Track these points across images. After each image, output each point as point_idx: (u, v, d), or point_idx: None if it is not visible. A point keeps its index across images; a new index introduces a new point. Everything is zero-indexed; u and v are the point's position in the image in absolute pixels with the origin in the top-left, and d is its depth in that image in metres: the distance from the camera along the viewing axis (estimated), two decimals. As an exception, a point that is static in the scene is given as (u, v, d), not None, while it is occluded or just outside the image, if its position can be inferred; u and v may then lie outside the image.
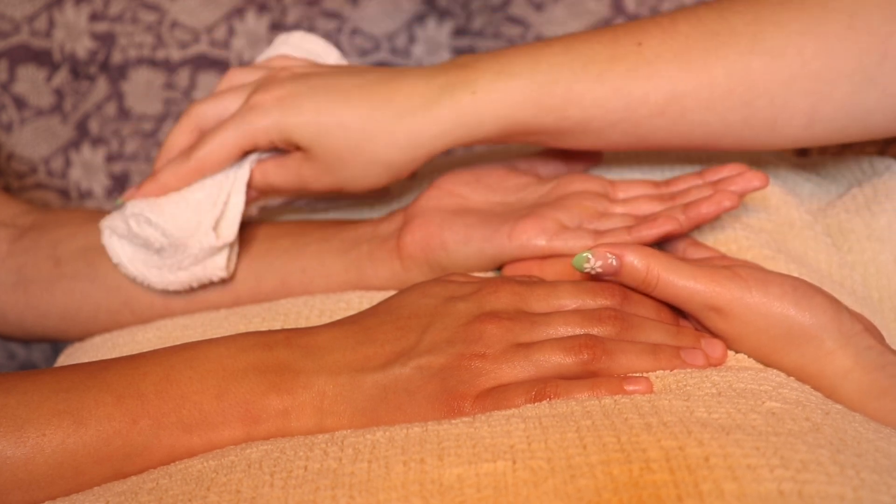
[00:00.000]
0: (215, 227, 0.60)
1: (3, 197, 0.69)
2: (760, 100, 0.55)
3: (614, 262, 0.49)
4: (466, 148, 0.87)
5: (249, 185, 0.61)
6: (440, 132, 0.56)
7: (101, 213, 0.68)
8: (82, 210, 0.69)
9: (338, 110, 0.57)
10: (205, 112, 0.61)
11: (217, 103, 0.61)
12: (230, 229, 0.60)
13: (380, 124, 0.56)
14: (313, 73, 0.60)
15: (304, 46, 0.65)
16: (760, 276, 0.49)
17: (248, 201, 0.62)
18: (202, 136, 0.60)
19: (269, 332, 0.49)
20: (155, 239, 0.59)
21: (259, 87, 0.59)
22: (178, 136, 0.61)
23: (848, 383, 0.48)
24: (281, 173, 0.60)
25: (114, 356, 0.57)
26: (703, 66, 0.54)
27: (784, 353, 0.49)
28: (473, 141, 0.57)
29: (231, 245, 0.61)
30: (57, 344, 0.90)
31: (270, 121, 0.58)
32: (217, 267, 0.61)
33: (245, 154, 0.60)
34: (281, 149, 0.60)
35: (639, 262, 0.49)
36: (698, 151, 0.62)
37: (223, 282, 0.62)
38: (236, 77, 0.63)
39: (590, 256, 0.50)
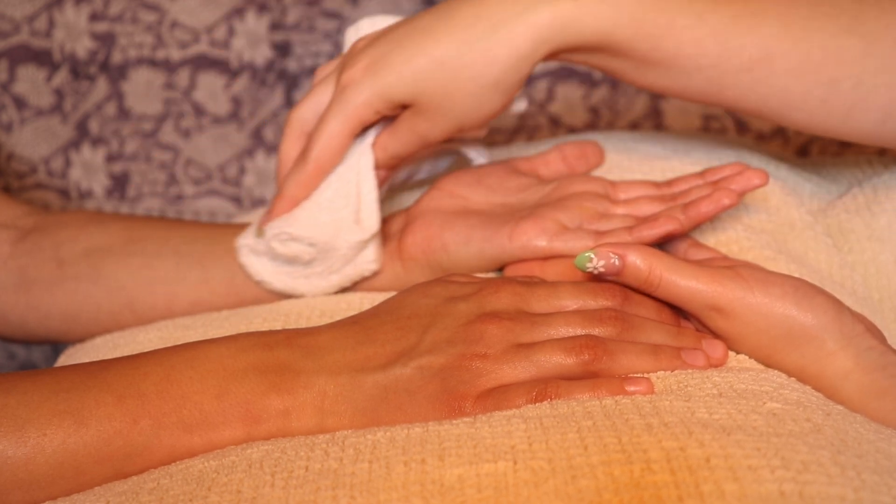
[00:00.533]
0: (357, 222, 0.58)
1: (4, 199, 0.69)
2: (846, 82, 0.54)
3: (617, 262, 0.49)
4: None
5: (375, 167, 0.60)
6: (540, 39, 0.54)
7: (103, 215, 0.68)
8: (84, 212, 0.69)
9: (427, 49, 0.55)
10: (302, 115, 0.60)
11: (311, 101, 0.60)
12: (372, 219, 0.58)
13: (474, 45, 0.54)
14: (388, 29, 0.58)
15: (377, 28, 0.63)
16: (762, 277, 0.49)
17: (380, 184, 0.60)
18: (309, 138, 0.59)
19: (270, 332, 0.49)
20: (303, 252, 0.58)
21: (343, 67, 0.58)
22: (288, 146, 0.60)
23: (849, 384, 0.48)
24: (397, 139, 0.58)
25: (114, 357, 0.57)
26: (803, 32, 0.54)
27: (785, 354, 0.49)
28: (565, 51, 0.56)
29: (374, 234, 0.59)
30: (57, 345, 0.90)
31: (367, 91, 0.56)
32: (367, 261, 0.59)
33: (357, 137, 0.59)
34: (389, 118, 0.59)
35: (641, 262, 0.49)
36: (764, 120, 0.60)
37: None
38: (321, 72, 0.61)
39: (592, 256, 0.50)
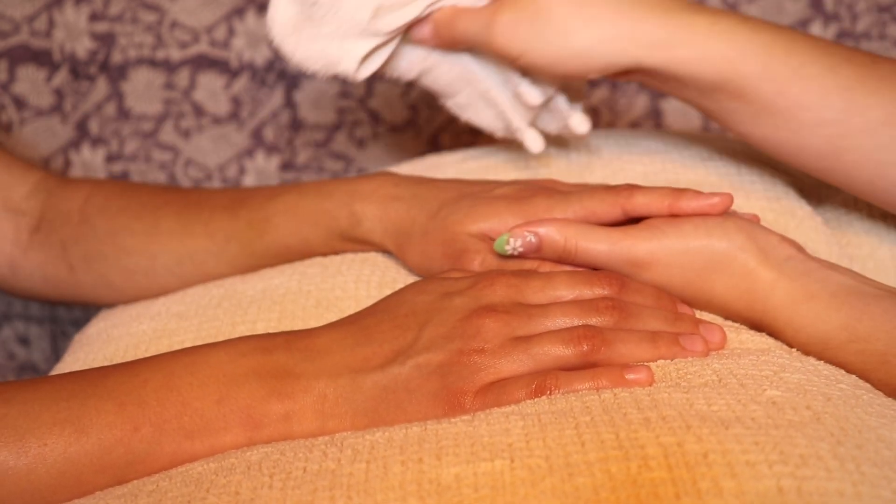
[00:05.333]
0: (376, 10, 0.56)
1: (8, 174, 0.68)
2: None
3: (533, 239, 0.51)
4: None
5: (426, 21, 0.58)
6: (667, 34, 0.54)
7: (90, 211, 0.67)
8: (76, 203, 0.68)
9: None
10: None
11: None
12: (391, 21, 0.57)
13: None
14: None
15: None
16: (672, 220, 0.51)
17: (414, 38, 0.59)
18: None
19: (268, 335, 0.49)
20: None
21: None
22: None
23: (777, 293, 0.49)
24: (469, 20, 0.57)
25: (110, 349, 0.58)
26: None
27: (714, 282, 0.50)
28: (676, 74, 0.55)
29: (380, 48, 0.57)
30: (56, 343, 0.90)
31: None
32: (351, 54, 0.58)
33: None
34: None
35: (557, 234, 0.51)
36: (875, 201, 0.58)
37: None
38: None
39: (509, 238, 0.52)
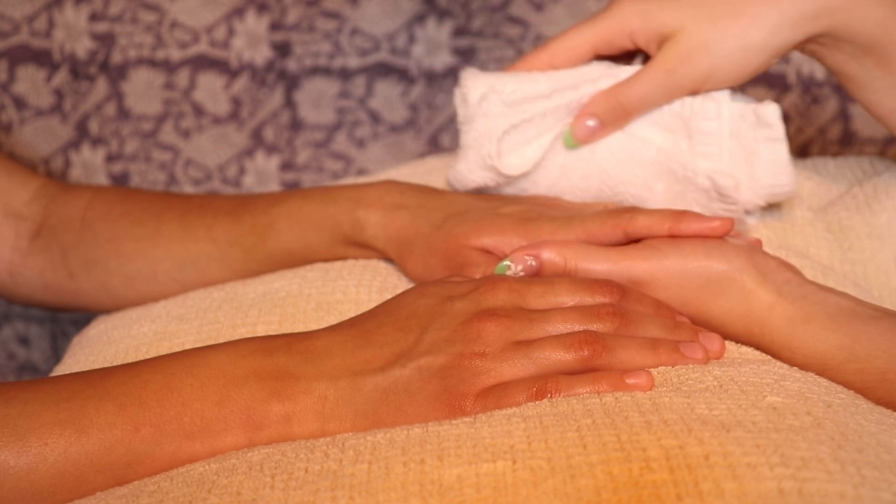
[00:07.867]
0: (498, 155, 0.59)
1: (9, 180, 0.69)
2: None
3: (534, 263, 0.52)
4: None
5: (583, 117, 0.59)
6: (825, 5, 0.55)
7: (92, 217, 0.67)
8: (78, 209, 0.68)
9: None
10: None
11: None
12: (520, 161, 0.60)
13: None
14: None
15: None
16: (672, 241, 0.52)
17: (579, 137, 0.60)
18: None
19: (269, 337, 0.49)
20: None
21: None
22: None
23: (775, 315, 0.50)
24: (639, 80, 0.58)
25: (110, 351, 0.58)
26: None
27: (711, 302, 0.51)
28: (840, 37, 0.56)
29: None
30: (56, 343, 0.90)
31: (630, 8, 0.57)
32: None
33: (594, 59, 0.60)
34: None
35: (556, 256, 0.52)
36: None
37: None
38: None
39: (510, 264, 0.52)
